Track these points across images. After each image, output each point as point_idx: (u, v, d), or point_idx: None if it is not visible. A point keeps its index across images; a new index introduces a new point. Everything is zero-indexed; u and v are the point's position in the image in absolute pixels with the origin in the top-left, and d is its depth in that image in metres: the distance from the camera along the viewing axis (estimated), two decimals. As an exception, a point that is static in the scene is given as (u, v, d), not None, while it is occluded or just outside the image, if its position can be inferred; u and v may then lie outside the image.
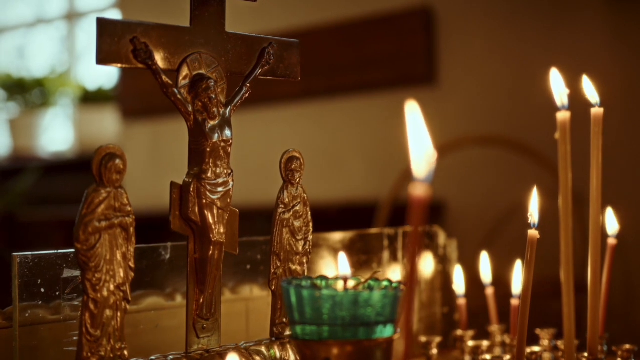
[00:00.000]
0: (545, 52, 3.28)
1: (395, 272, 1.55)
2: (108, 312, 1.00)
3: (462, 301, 1.54)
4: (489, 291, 1.54)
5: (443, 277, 1.64)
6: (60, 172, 5.31)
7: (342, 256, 1.01)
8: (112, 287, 1.00)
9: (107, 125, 5.31)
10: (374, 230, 1.55)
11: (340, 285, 0.99)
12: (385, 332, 0.93)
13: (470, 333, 1.49)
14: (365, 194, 3.68)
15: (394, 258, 1.55)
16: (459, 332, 1.49)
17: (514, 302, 1.42)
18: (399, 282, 0.96)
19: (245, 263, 1.36)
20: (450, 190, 3.51)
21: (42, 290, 1.09)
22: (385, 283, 0.98)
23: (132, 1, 4.93)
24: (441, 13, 3.60)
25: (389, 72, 3.75)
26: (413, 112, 0.74)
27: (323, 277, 1.01)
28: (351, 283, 0.99)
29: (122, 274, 1.01)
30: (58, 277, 1.11)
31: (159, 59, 1.06)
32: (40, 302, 1.09)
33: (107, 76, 5.51)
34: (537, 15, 3.37)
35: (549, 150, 2.84)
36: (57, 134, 5.88)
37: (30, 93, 5.62)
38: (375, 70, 3.78)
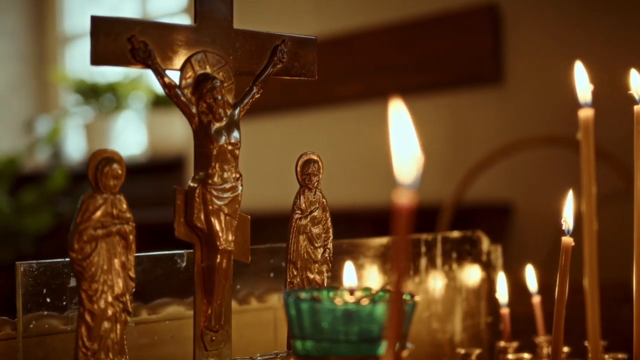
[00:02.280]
0: (615, 50, 3.15)
1: (433, 280, 1.47)
2: (106, 324, 0.95)
3: (505, 310, 1.46)
4: (536, 300, 1.45)
5: (488, 285, 1.55)
6: (132, 175, 5.32)
7: (349, 265, 0.94)
8: (110, 298, 0.95)
9: (177, 128, 5.33)
10: (411, 236, 1.47)
11: (345, 297, 0.93)
12: (391, 348, 0.86)
13: (514, 344, 1.41)
14: (429, 196, 3.59)
15: (432, 265, 1.47)
16: (502, 344, 1.41)
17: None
18: (410, 295, 0.90)
19: (269, 270, 1.31)
20: (517, 192, 3.40)
21: (48, 300, 1.06)
22: (395, 295, 0.91)
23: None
24: (508, 10, 3.49)
25: (454, 72, 3.66)
26: (399, 115, 0.68)
27: (332, 288, 0.95)
28: (359, 295, 0.93)
29: (121, 284, 0.96)
30: (64, 286, 1.07)
31: (161, 58, 1.01)
32: (45, 312, 1.06)
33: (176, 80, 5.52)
34: (607, 12, 3.23)
35: (619, 151, 2.72)
36: (130, 138, 5.92)
37: (103, 97, 5.67)
38: (441, 70, 3.69)
